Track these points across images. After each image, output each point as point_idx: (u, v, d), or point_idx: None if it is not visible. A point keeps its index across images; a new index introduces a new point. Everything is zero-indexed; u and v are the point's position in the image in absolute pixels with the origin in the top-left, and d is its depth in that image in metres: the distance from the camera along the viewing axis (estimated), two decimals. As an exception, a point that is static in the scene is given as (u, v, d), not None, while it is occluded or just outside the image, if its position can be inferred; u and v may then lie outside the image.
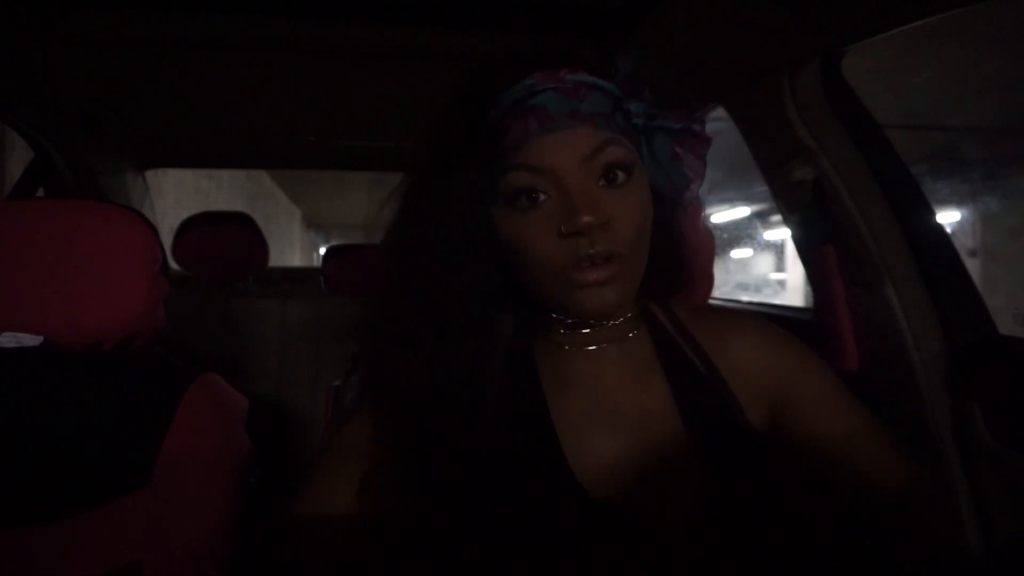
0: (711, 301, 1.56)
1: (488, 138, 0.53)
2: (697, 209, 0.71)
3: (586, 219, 0.49)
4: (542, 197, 0.52)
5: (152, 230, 0.78)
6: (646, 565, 0.51)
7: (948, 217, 7.34)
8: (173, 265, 1.73)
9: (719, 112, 1.11)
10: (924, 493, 0.60)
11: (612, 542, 0.52)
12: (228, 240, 1.79)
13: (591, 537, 0.52)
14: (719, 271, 0.89)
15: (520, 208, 0.52)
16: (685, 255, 0.63)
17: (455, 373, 0.54)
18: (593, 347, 0.59)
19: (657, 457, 0.56)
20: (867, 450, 0.59)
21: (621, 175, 0.52)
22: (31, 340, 0.70)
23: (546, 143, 0.51)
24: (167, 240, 1.18)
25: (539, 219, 0.52)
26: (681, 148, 0.56)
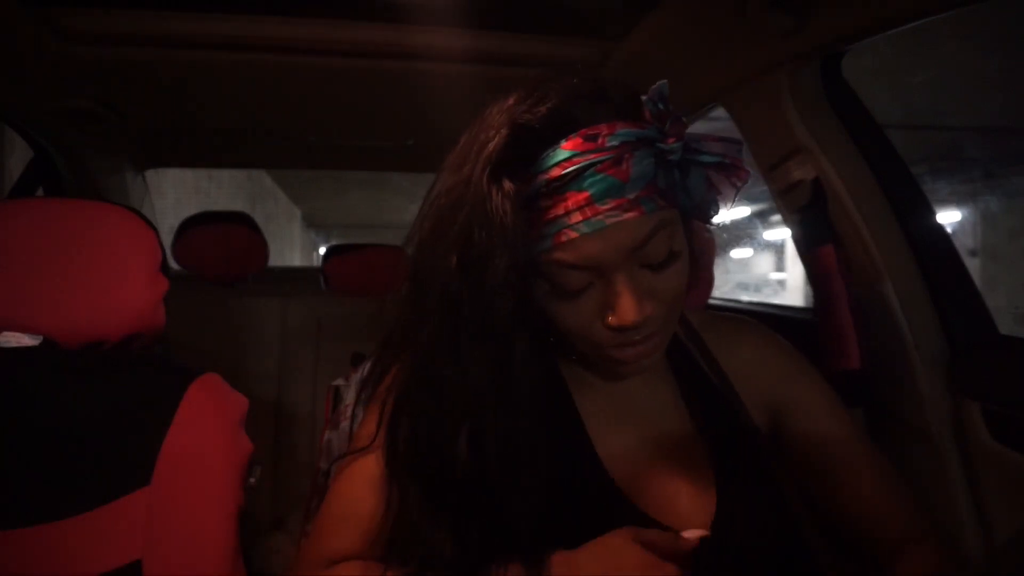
0: (711, 301, 1.56)
1: (524, 204, 0.47)
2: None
3: (635, 320, 0.48)
4: (586, 286, 0.50)
5: (152, 230, 0.78)
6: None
7: (948, 217, 7.34)
8: (173, 265, 1.73)
9: (719, 112, 1.11)
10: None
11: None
12: (228, 240, 1.79)
13: (612, 520, 0.52)
14: (719, 271, 0.90)
15: (561, 295, 0.50)
16: (706, 270, 0.63)
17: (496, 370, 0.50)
18: None
19: (669, 450, 0.59)
20: (856, 450, 0.62)
21: (667, 259, 0.50)
22: (31, 340, 0.70)
23: (590, 239, 0.47)
24: (167, 240, 1.18)
25: (581, 306, 0.50)
26: (716, 177, 0.52)
